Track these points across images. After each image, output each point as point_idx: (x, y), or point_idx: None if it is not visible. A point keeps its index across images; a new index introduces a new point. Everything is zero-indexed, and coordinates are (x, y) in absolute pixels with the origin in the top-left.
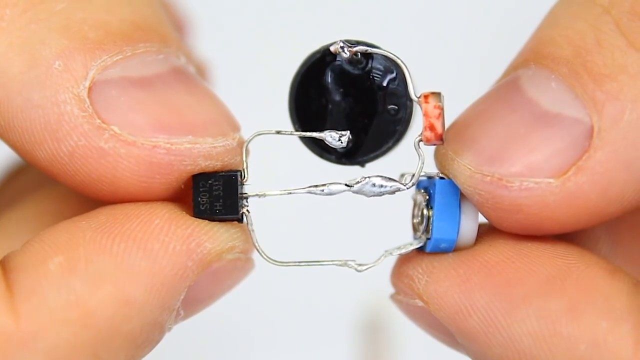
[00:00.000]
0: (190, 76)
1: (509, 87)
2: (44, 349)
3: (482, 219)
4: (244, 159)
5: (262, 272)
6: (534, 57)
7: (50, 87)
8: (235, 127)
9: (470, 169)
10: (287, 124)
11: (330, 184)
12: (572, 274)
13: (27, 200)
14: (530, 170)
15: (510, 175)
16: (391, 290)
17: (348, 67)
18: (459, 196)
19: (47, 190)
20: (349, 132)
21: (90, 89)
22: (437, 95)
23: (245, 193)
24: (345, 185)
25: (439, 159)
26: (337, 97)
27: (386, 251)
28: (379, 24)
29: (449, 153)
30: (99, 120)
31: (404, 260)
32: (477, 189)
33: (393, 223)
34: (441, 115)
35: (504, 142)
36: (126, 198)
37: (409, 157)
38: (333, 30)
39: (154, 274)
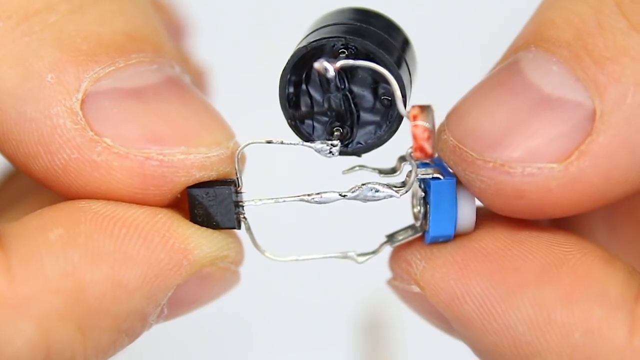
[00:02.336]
0: (184, 86)
1: (509, 71)
2: (35, 314)
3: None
4: (237, 167)
5: (262, 272)
6: (534, 40)
7: (43, 100)
8: (229, 136)
9: (472, 155)
10: (286, 125)
11: (324, 192)
12: (567, 261)
13: (27, 199)
14: (532, 156)
15: (513, 160)
16: (391, 290)
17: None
18: (455, 194)
19: (47, 191)
20: (339, 142)
21: (82, 101)
22: (426, 112)
23: (241, 201)
24: (339, 194)
25: (440, 146)
26: (330, 90)
27: (386, 237)
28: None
29: (450, 139)
30: (91, 133)
31: (403, 245)
32: (479, 176)
33: (392, 216)
34: (430, 137)
35: (505, 127)
36: None
37: (406, 142)
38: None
39: (150, 264)
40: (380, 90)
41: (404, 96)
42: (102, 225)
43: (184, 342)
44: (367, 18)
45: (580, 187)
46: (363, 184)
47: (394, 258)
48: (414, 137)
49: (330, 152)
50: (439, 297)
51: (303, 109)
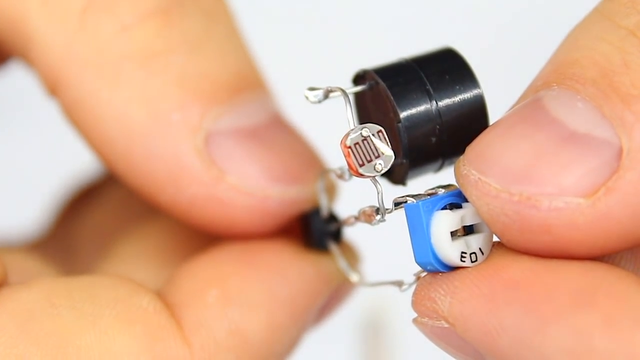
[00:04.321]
0: (285, 122)
1: (532, 107)
2: None
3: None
4: (320, 194)
5: None
6: (556, 79)
7: (171, 139)
8: (320, 166)
9: (496, 188)
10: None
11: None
12: (602, 286)
13: (135, 230)
14: (560, 190)
15: (540, 194)
16: (391, 289)
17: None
18: (422, 216)
19: (155, 221)
20: (348, 168)
21: (206, 140)
22: (349, 132)
23: (326, 226)
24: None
25: (460, 181)
26: (375, 120)
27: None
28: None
29: (472, 173)
30: (216, 171)
31: (423, 284)
32: (504, 210)
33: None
34: (350, 154)
35: (531, 161)
36: (237, 236)
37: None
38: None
39: (295, 298)
40: None
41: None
42: (247, 275)
43: None
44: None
45: (607, 224)
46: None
47: (417, 298)
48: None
49: (341, 176)
50: (470, 333)
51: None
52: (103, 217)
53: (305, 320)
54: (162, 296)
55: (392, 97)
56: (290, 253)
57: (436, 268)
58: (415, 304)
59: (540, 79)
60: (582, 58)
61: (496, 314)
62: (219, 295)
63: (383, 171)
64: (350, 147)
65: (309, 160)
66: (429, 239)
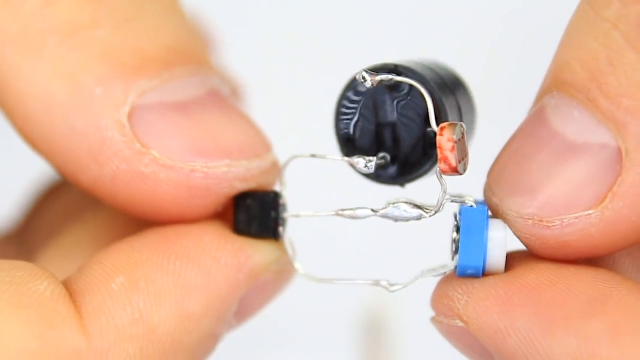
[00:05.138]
0: (225, 98)
1: (536, 121)
2: None
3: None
4: (281, 180)
5: None
6: (554, 84)
7: (92, 113)
8: (267, 147)
9: (513, 214)
10: (322, 140)
11: (357, 208)
12: (613, 296)
13: (72, 223)
14: (567, 207)
15: (550, 215)
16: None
17: (389, 92)
18: (486, 222)
19: (92, 214)
20: (375, 158)
21: (129, 114)
22: (453, 126)
23: (281, 213)
24: (371, 210)
25: (489, 205)
26: (379, 119)
27: (422, 271)
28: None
29: (493, 199)
30: (138, 145)
31: (444, 282)
32: (522, 233)
33: (427, 243)
34: (454, 148)
35: (537, 183)
36: (167, 218)
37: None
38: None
39: (209, 288)
40: (428, 122)
41: (439, 114)
42: (157, 263)
43: None
44: (434, 64)
45: (620, 228)
46: (393, 203)
47: (436, 297)
48: (439, 147)
49: (366, 166)
50: (482, 331)
51: (354, 137)
52: (59, 210)
53: (222, 312)
54: (67, 283)
55: (446, 110)
56: (211, 239)
57: (476, 273)
58: (433, 301)
59: (545, 80)
60: (573, 60)
61: (508, 315)
62: (124, 282)
63: (466, 172)
64: (456, 142)
65: (247, 139)
66: (486, 243)
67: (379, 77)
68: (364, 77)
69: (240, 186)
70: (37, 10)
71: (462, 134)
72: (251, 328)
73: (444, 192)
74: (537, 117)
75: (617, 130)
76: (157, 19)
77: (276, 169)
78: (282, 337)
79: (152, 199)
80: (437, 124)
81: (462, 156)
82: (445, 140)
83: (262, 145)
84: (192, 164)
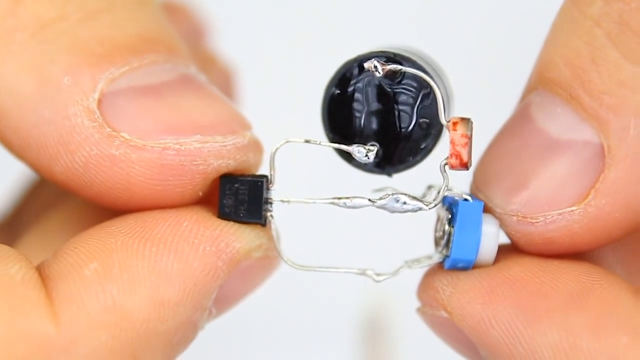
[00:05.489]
0: (198, 82)
1: (521, 118)
2: (85, 353)
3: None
4: (272, 164)
5: None
6: (539, 81)
7: (61, 102)
8: (245, 126)
9: (498, 210)
10: (314, 128)
11: (354, 197)
12: (595, 290)
13: (54, 209)
14: (551, 203)
15: (534, 212)
16: (391, 289)
17: (382, 80)
18: (481, 218)
19: (72, 200)
20: (376, 148)
21: (99, 101)
22: (466, 122)
23: (270, 198)
24: (369, 200)
25: (480, 199)
26: (370, 107)
27: (405, 262)
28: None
29: (480, 196)
30: (109, 129)
31: (430, 273)
32: (508, 229)
33: (414, 233)
34: (468, 144)
35: (521, 179)
36: (143, 205)
37: (437, 169)
38: (361, 29)
39: (186, 275)
40: (420, 113)
41: (445, 109)
42: (132, 248)
43: None
44: (417, 52)
45: (603, 223)
46: (392, 194)
47: (422, 287)
48: (452, 143)
49: (367, 156)
50: (466, 322)
51: (343, 125)
52: (45, 197)
53: (200, 300)
54: (41, 268)
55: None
56: (190, 225)
57: (467, 266)
58: (419, 292)
59: (531, 77)
60: (557, 57)
61: (491, 306)
62: (98, 268)
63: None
64: (470, 138)
65: (221, 116)
66: (480, 237)
67: (389, 67)
68: (375, 67)
69: (217, 163)
70: (8, 8)
71: (472, 128)
72: (251, 328)
73: (446, 186)
74: (522, 115)
75: (599, 127)
76: (128, 10)
77: (257, 148)
78: (282, 337)
79: (126, 182)
80: (447, 119)
81: (471, 151)
82: (459, 135)
83: (239, 122)
84: (163, 142)
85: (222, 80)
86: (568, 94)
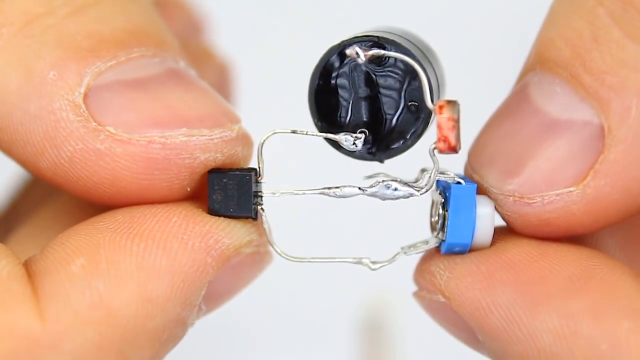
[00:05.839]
0: (186, 76)
1: (518, 98)
2: (71, 350)
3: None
4: (259, 156)
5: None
6: (538, 61)
7: (46, 97)
8: (233, 119)
9: (494, 191)
10: (307, 119)
11: (344, 186)
12: (596, 275)
13: (46, 205)
14: (548, 184)
15: (531, 192)
16: (391, 289)
17: (368, 65)
18: (475, 200)
19: (64, 196)
20: (364, 135)
21: (85, 95)
22: (453, 104)
23: (260, 191)
24: (359, 188)
25: (474, 180)
26: (358, 93)
27: (402, 248)
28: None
29: (474, 177)
30: (94, 123)
31: (426, 257)
32: (504, 210)
33: (409, 221)
34: (455, 127)
35: (519, 159)
36: (131, 200)
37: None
38: (353, 20)
39: (174, 271)
40: (408, 97)
41: (431, 92)
42: (120, 244)
43: (183, 342)
44: (405, 34)
45: (602, 205)
46: (383, 181)
47: (418, 271)
48: (439, 127)
49: (354, 144)
50: (464, 307)
51: (331, 111)
52: (38, 192)
53: (188, 296)
54: (28, 263)
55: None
56: (179, 221)
57: (464, 250)
58: (416, 276)
59: (529, 58)
60: (557, 37)
61: (490, 291)
62: (85, 264)
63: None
64: (456, 121)
65: (208, 109)
66: (474, 221)
67: (371, 53)
68: (357, 53)
69: (203, 157)
70: None
71: (459, 110)
72: (251, 327)
73: (437, 170)
74: (519, 95)
75: (600, 107)
76: (116, 4)
77: (246, 142)
78: (282, 337)
79: (112, 177)
80: (432, 102)
81: (459, 136)
82: (445, 119)
83: (226, 116)
84: (148, 135)
85: (218, 74)
86: (568, 73)
